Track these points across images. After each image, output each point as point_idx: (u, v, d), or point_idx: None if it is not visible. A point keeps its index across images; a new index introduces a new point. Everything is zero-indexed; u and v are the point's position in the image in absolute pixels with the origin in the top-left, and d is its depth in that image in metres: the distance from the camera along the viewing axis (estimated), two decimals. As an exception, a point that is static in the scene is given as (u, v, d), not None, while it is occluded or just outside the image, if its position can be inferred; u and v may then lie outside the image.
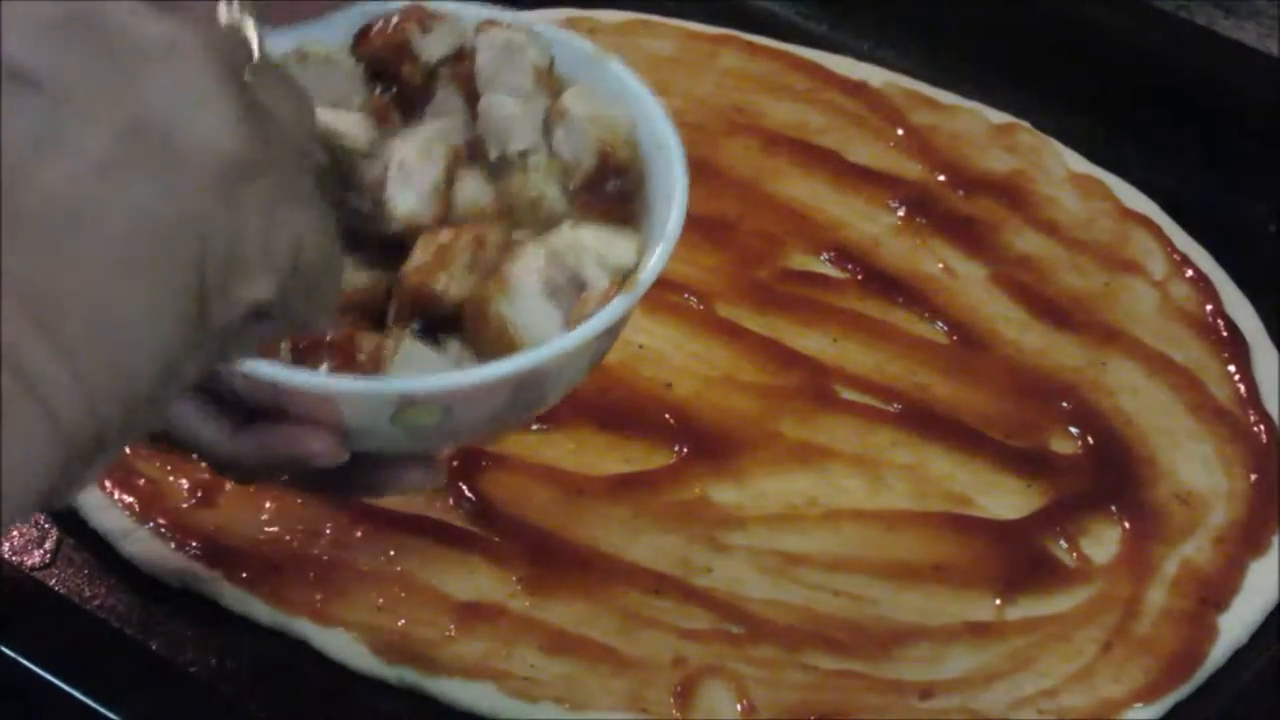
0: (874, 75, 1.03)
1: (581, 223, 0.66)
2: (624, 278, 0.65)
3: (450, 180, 0.66)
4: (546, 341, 0.63)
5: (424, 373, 0.62)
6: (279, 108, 0.53)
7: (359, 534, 0.81)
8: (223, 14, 0.52)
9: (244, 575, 0.79)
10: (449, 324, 0.64)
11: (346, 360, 0.63)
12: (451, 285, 0.64)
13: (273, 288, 0.53)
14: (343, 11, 0.70)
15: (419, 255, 0.64)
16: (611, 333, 0.66)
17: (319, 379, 0.62)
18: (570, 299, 0.64)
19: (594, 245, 0.65)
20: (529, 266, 0.64)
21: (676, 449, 0.85)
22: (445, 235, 0.64)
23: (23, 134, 0.48)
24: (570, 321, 0.64)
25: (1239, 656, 0.80)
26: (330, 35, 0.70)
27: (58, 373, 0.48)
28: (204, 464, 0.68)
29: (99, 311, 0.49)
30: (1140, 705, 0.77)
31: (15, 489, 0.47)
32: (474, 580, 0.79)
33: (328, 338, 0.63)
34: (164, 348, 0.50)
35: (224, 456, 0.65)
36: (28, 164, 0.48)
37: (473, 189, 0.67)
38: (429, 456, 0.68)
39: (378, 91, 0.69)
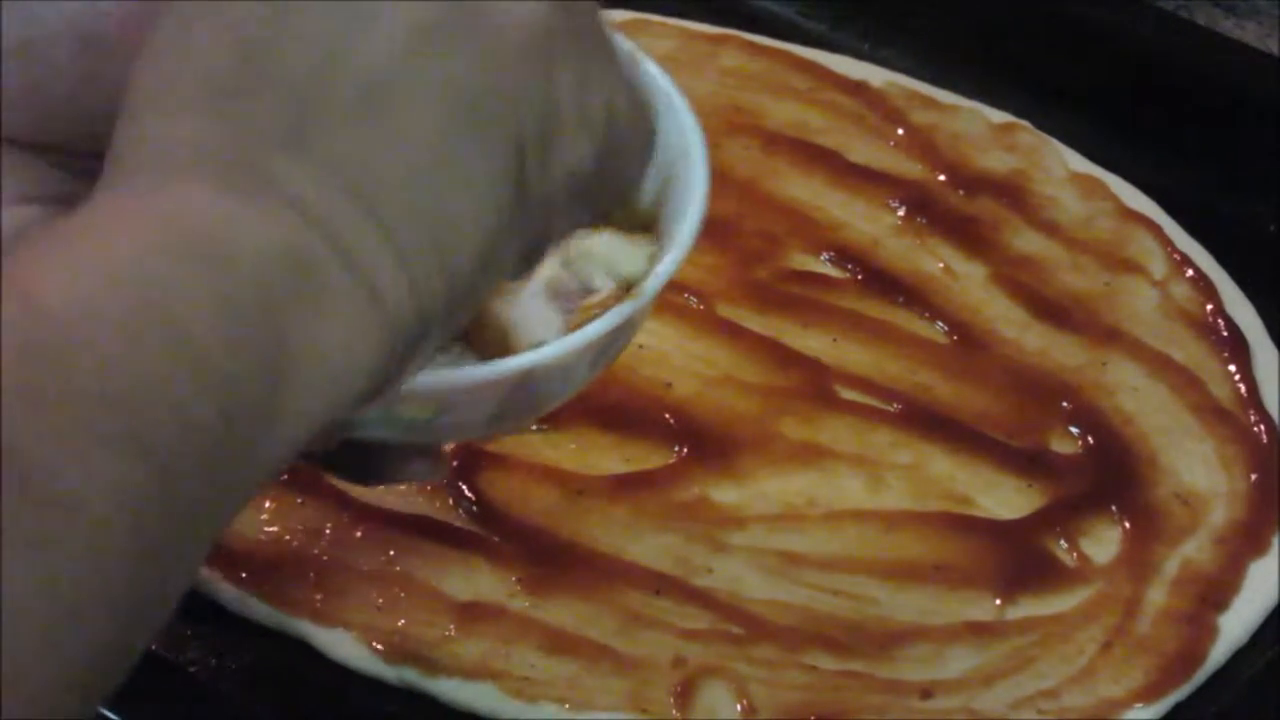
0: (874, 75, 1.03)
1: (596, 230, 0.66)
2: (630, 286, 0.65)
3: None
4: (544, 344, 0.63)
5: (419, 370, 0.63)
6: None
7: (359, 534, 0.81)
8: None
9: (244, 575, 0.79)
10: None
11: None
12: None
13: (591, 153, 0.52)
14: None
15: None
16: (615, 339, 0.65)
17: None
18: (574, 305, 0.64)
19: (604, 253, 0.65)
20: (535, 271, 0.64)
21: (676, 449, 0.85)
22: None
23: (336, 14, 0.47)
24: (570, 326, 0.63)
25: (1239, 656, 0.80)
26: None
27: (381, 253, 0.46)
28: None
29: (419, 188, 0.47)
30: (1140, 705, 0.77)
31: (345, 370, 0.46)
32: (474, 580, 0.79)
33: None
34: (485, 224, 0.49)
35: None
36: (341, 43, 0.47)
37: None
38: (432, 449, 0.67)
39: None
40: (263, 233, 0.44)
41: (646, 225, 0.67)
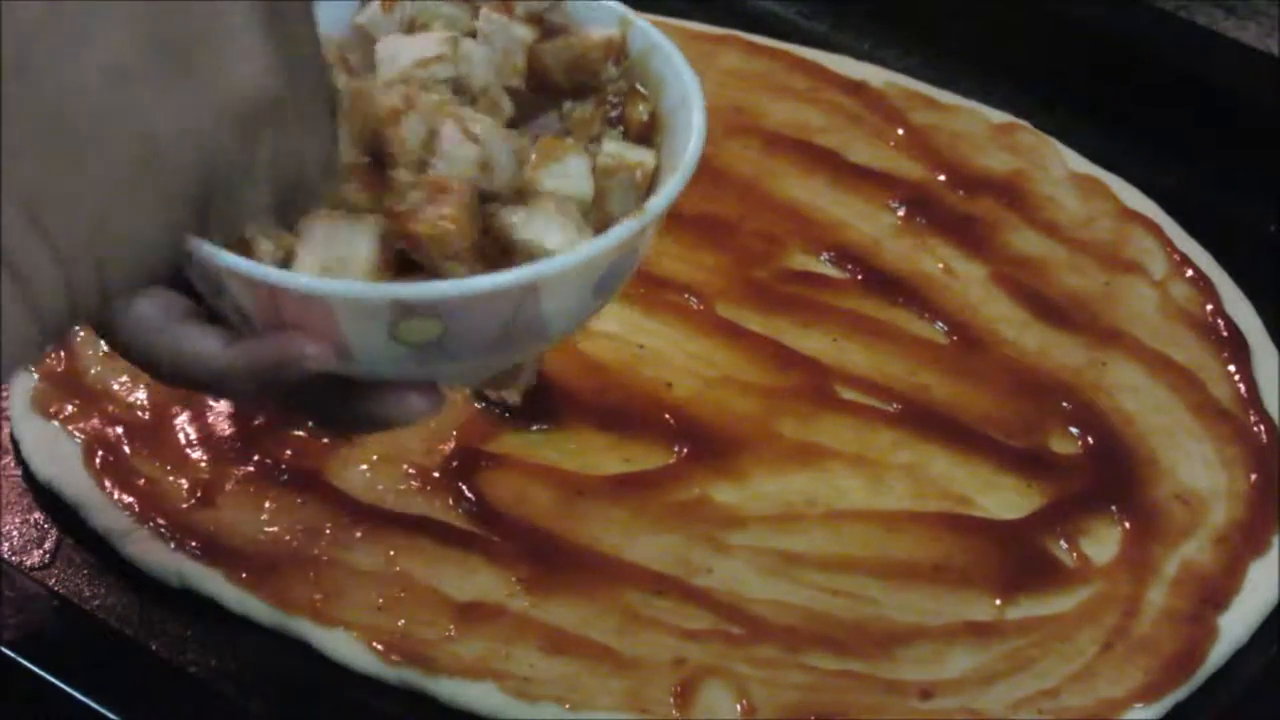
0: (874, 75, 1.03)
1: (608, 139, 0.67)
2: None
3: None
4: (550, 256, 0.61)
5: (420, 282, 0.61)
6: (301, 40, 0.54)
7: (359, 534, 0.81)
8: None
9: (244, 575, 0.79)
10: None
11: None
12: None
13: (271, 201, 0.55)
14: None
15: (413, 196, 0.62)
16: (620, 259, 0.63)
17: (309, 279, 0.60)
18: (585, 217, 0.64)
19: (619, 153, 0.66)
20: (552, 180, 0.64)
21: (676, 449, 0.85)
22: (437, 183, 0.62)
23: (47, 22, 0.49)
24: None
25: (1239, 656, 0.80)
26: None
27: (50, 277, 0.50)
28: (197, 392, 0.69)
29: (96, 221, 0.51)
30: (1140, 705, 0.77)
31: None
32: (474, 580, 0.79)
33: None
34: (155, 252, 0.53)
35: (218, 368, 0.62)
36: (46, 55, 0.49)
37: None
38: (431, 385, 0.65)
39: None
40: None
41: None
